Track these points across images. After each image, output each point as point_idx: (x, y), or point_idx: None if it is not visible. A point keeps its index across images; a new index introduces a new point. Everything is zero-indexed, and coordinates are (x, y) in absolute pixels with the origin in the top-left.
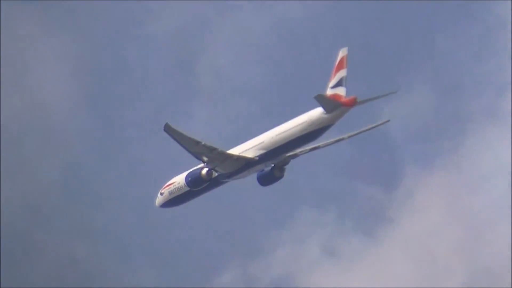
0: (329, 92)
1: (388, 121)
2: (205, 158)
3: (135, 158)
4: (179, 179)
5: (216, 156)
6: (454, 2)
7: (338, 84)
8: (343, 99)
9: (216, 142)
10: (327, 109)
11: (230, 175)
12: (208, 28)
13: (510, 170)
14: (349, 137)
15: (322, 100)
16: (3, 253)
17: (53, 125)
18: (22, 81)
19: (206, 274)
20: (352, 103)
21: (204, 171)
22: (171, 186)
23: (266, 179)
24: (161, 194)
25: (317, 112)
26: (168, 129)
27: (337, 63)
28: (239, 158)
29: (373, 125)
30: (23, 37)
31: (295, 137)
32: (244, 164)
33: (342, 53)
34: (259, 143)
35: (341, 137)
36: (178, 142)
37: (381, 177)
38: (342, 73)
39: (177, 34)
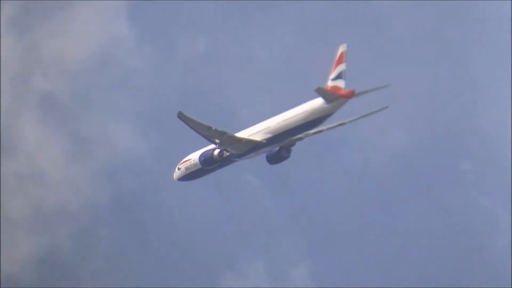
0: (330, 84)
1: (387, 107)
2: (217, 141)
3: None
4: (195, 157)
5: (226, 139)
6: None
7: (338, 77)
8: (342, 91)
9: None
10: (327, 100)
11: (240, 155)
12: None
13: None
14: (350, 121)
15: (321, 92)
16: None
17: None
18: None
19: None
20: (350, 95)
21: (216, 152)
22: (187, 162)
23: (274, 159)
24: (179, 169)
25: (318, 102)
26: (181, 116)
27: (337, 57)
28: (247, 141)
29: (372, 111)
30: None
31: (298, 124)
32: (253, 147)
33: (341, 48)
34: (266, 128)
35: (342, 121)
36: (191, 127)
37: None
38: (342, 67)
39: None
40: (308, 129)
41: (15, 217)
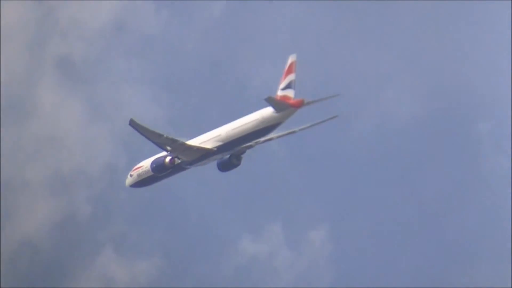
0: (279, 93)
1: (336, 116)
2: (168, 148)
3: None
4: (147, 164)
5: (177, 147)
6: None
7: (288, 86)
8: (291, 101)
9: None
10: (277, 109)
11: (192, 163)
12: None
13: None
14: (300, 130)
15: (272, 102)
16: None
17: None
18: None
19: None
20: (300, 104)
21: (168, 159)
22: (140, 169)
23: (224, 166)
24: (131, 175)
25: (268, 111)
26: (133, 123)
27: (286, 67)
28: (198, 149)
29: (322, 119)
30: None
31: (248, 132)
32: (203, 154)
33: (291, 59)
34: (217, 136)
35: (292, 130)
36: (143, 134)
37: None
38: (291, 77)
39: None
40: (258, 137)
41: (34, 181)
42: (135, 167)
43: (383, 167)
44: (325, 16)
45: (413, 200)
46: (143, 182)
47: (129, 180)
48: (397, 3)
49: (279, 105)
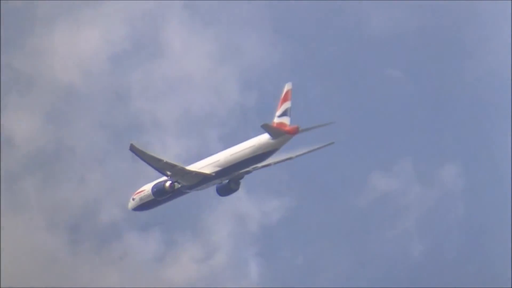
0: (276, 120)
1: (333, 143)
2: (168, 173)
3: None
4: (148, 188)
5: (177, 171)
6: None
7: (284, 114)
8: (287, 128)
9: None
10: (273, 136)
11: (191, 187)
12: None
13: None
14: (297, 156)
15: (267, 128)
16: None
17: None
18: None
19: None
20: (295, 131)
21: (168, 183)
22: (141, 193)
23: (223, 191)
24: (133, 199)
25: (264, 137)
26: (133, 148)
27: (282, 95)
28: (197, 174)
29: (319, 146)
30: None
31: (245, 157)
32: (202, 179)
33: (287, 87)
34: (216, 161)
35: (289, 156)
36: (143, 159)
37: None
38: (287, 104)
39: None
40: (255, 163)
41: (164, 121)
42: (137, 191)
43: None
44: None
45: None
46: (144, 205)
47: (131, 204)
48: None
49: (275, 131)
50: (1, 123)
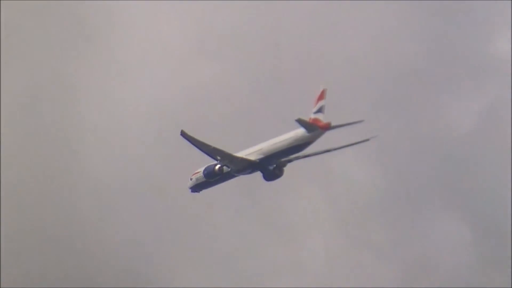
0: (312, 116)
1: (368, 139)
2: (218, 157)
3: None
4: (202, 169)
5: (225, 156)
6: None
7: (319, 111)
8: (320, 123)
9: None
10: (307, 130)
11: (238, 171)
12: None
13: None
14: (335, 149)
15: (302, 123)
16: None
17: None
18: None
19: None
20: (327, 127)
21: (217, 167)
22: (197, 174)
23: (269, 176)
24: (191, 179)
25: (301, 131)
26: (184, 134)
27: (318, 94)
28: (243, 159)
29: (355, 141)
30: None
31: (285, 148)
32: (248, 164)
33: (322, 87)
34: (260, 149)
35: (328, 148)
36: (194, 145)
37: None
38: (322, 102)
39: None
40: (293, 153)
41: None
42: (195, 171)
43: None
44: None
45: None
46: (199, 186)
47: (189, 183)
48: None
49: (309, 126)
50: None
